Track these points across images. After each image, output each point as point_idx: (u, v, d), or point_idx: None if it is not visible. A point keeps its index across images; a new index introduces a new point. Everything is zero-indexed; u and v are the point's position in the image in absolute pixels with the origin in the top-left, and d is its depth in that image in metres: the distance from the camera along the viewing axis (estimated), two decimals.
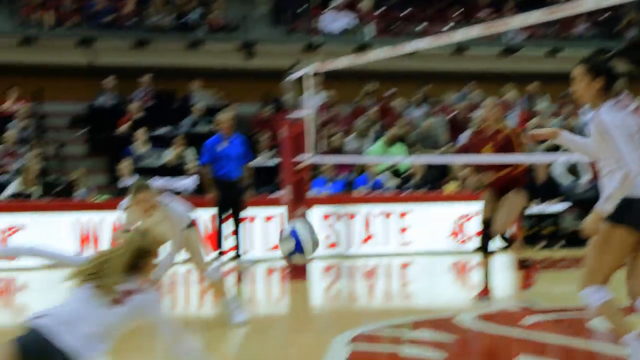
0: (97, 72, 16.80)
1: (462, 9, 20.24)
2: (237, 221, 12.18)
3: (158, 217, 7.27)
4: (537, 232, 13.91)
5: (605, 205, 5.04)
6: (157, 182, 13.22)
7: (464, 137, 16.23)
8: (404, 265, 12.55)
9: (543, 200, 14.13)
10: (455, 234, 13.55)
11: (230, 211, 12.13)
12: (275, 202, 12.33)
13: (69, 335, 4.51)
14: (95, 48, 17.44)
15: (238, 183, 12.19)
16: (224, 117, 12.46)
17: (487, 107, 9.08)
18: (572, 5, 6.88)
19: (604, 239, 5.17)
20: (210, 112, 15.67)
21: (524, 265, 8.99)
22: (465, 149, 9.54)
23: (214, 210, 12.12)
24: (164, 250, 7.44)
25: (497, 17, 18.92)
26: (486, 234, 8.81)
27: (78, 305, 4.68)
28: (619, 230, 5.10)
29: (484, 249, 8.86)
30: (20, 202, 12.29)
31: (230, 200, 12.09)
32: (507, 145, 8.81)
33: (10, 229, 11.91)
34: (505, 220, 8.73)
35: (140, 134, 14.31)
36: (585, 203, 15.04)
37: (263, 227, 12.89)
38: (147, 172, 13.59)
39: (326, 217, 13.03)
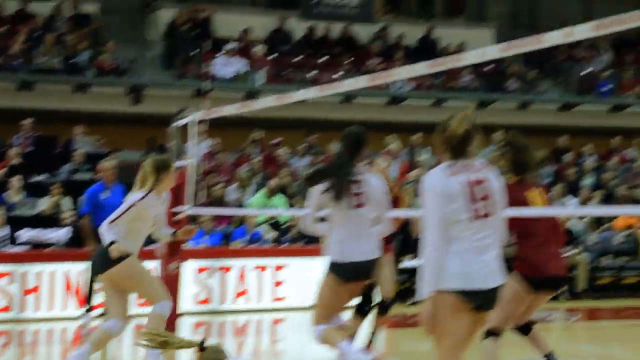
0: None
1: (353, 58, 20.56)
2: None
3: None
4: (409, 287, 14.11)
5: None
6: (28, 233, 13.07)
7: None
8: (276, 321, 12.62)
9: (417, 255, 14.39)
10: None
11: None
12: (151, 255, 12.25)
13: None
14: None
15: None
16: (107, 165, 12.37)
17: (378, 164, 8.70)
18: (455, 59, 7.15)
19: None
20: (92, 159, 15.55)
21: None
22: None
23: (87, 264, 11.99)
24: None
25: (387, 66, 19.31)
26: (367, 298, 8.64)
27: None
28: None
29: (362, 311, 8.69)
30: None
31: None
32: (394, 204, 8.58)
33: None
34: (391, 283, 8.67)
35: (15, 181, 14.13)
36: None
37: None
38: (20, 222, 13.42)
39: (201, 270, 13.03)
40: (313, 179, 7.06)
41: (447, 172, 5.06)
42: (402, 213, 9.52)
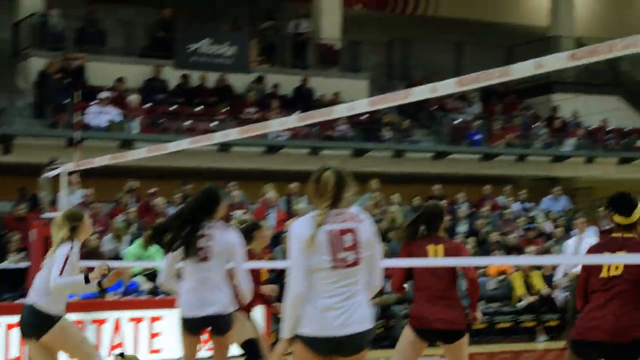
0: None
1: (229, 107, 20.57)
2: None
3: None
4: None
5: None
6: None
7: None
8: None
9: None
10: (206, 340, 13.47)
11: None
12: (19, 309, 11.85)
13: None
14: None
15: None
16: None
17: (264, 229, 8.90)
18: (326, 112, 7.49)
19: None
20: None
21: None
22: None
23: None
24: None
25: (263, 116, 19.39)
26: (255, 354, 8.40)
27: None
28: None
29: None
30: None
31: None
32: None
33: None
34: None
35: None
36: None
37: (4, 335, 12.36)
38: None
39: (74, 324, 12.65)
40: (157, 232, 7.15)
41: (314, 221, 5.12)
42: (278, 263, 9.60)
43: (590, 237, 14.81)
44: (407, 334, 7.23)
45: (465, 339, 7.29)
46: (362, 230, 5.17)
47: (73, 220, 7.39)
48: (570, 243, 14.95)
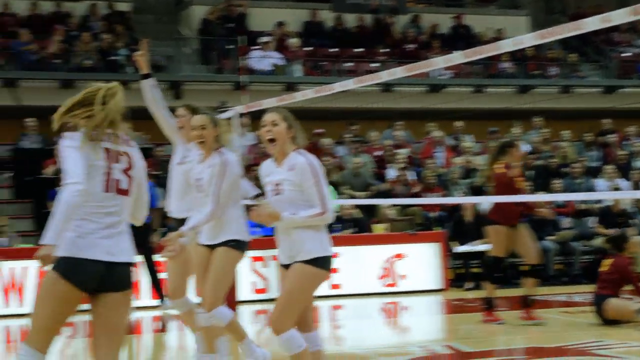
0: (22, 113, 16.55)
1: (389, 48, 20.44)
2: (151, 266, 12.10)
3: None
4: (465, 272, 13.95)
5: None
6: None
7: (391, 175, 16.31)
8: (334, 308, 12.51)
9: (471, 240, 14.13)
10: (385, 276, 13.56)
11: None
12: None
13: None
14: (20, 89, 17.24)
15: (144, 227, 12.05)
16: None
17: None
18: (491, 47, 7.20)
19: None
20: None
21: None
22: None
23: None
24: None
25: (423, 54, 19.18)
26: None
27: None
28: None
29: None
30: None
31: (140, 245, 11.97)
32: None
33: None
34: None
35: None
36: None
37: None
38: None
39: (256, 260, 12.94)
40: None
41: None
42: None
43: None
44: None
45: None
46: None
47: None
48: None
